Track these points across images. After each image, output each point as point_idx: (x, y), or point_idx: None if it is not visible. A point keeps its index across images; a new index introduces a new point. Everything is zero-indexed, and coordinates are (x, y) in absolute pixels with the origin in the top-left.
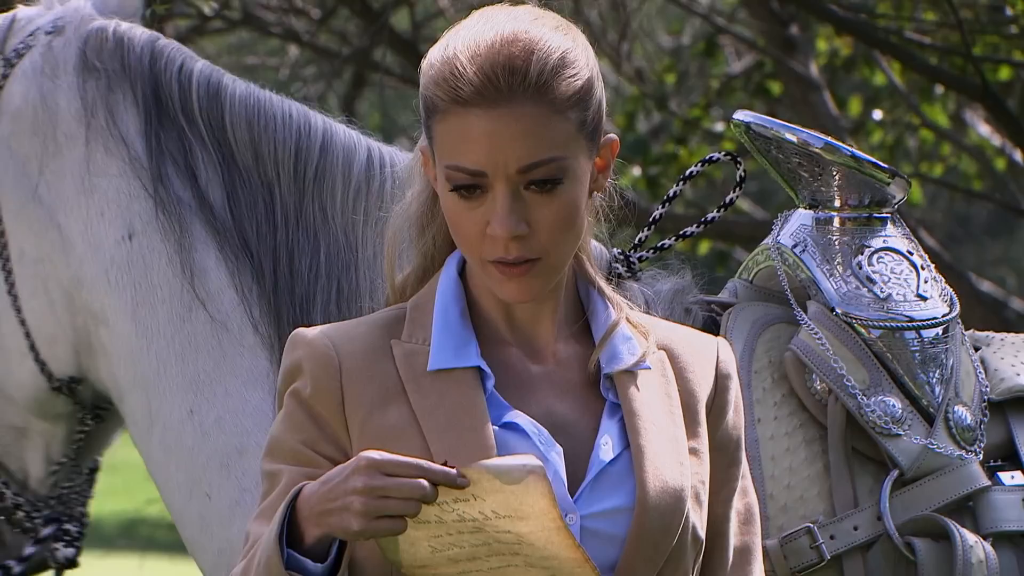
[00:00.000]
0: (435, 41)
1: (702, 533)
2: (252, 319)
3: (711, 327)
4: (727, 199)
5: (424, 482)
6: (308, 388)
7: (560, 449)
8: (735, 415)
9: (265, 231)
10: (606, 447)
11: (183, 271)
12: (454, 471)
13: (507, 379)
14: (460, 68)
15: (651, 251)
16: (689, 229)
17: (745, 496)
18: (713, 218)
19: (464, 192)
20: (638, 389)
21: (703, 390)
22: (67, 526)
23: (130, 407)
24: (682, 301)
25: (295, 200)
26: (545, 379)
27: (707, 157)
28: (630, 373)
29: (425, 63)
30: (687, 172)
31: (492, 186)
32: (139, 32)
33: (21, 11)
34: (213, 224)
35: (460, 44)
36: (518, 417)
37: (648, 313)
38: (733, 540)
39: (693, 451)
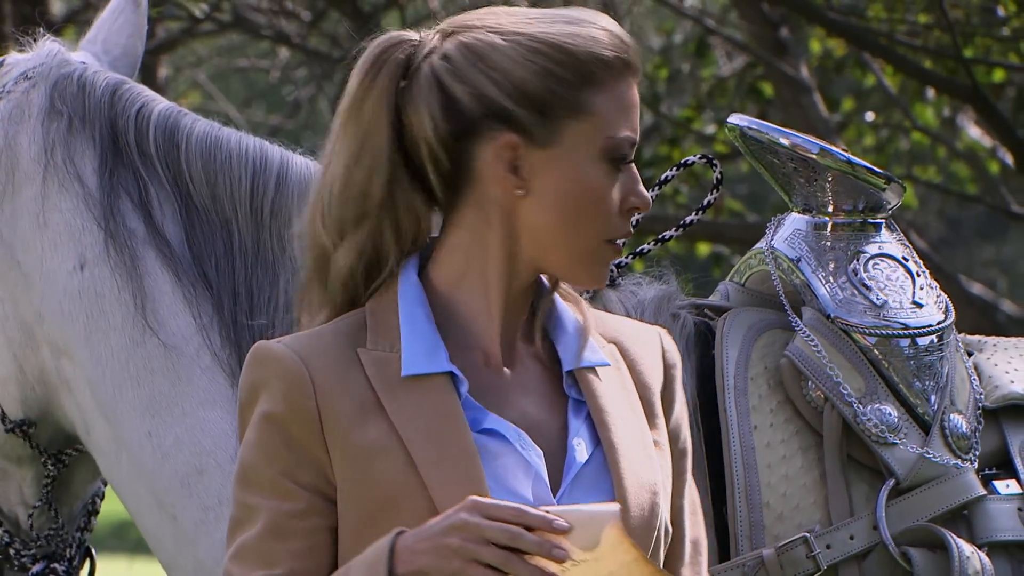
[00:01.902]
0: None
1: (669, 526)
2: (211, 345)
3: (704, 331)
4: (704, 202)
5: (523, 531)
6: (281, 408)
7: (540, 452)
8: (680, 405)
9: (224, 267)
10: (580, 448)
11: (134, 298)
12: (552, 517)
13: (477, 383)
14: (613, 38)
15: (630, 256)
16: (667, 233)
17: (693, 488)
18: (691, 221)
19: (621, 164)
20: (601, 385)
21: (655, 381)
22: (55, 565)
23: (96, 437)
24: (668, 307)
25: (253, 235)
26: (514, 381)
27: (682, 161)
28: (591, 369)
29: (529, 47)
30: (663, 177)
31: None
32: (104, 76)
33: (10, 57)
34: (168, 255)
35: (587, 21)
36: (497, 423)
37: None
38: (688, 532)
39: (656, 443)
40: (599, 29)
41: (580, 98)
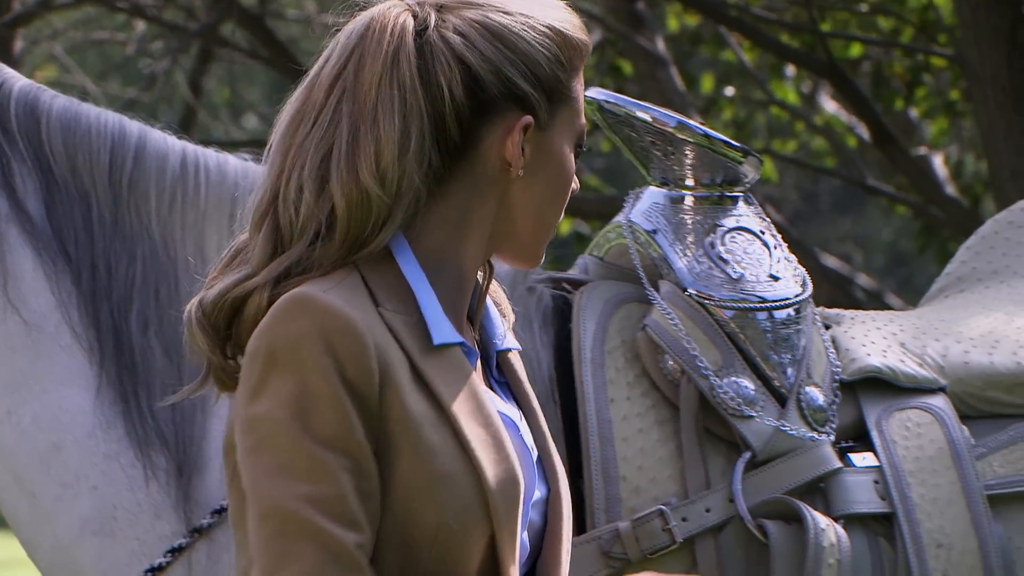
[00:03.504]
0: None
1: None
2: (69, 321)
3: (561, 305)
4: None
5: None
6: (344, 363)
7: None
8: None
9: (83, 240)
10: (527, 435)
11: None
12: None
13: None
14: (581, 25)
15: None
16: None
17: None
18: None
19: (580, 150)
20: (516, 368)
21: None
22: None
23: None
24: (524, 280)
25: (111, 209)
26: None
27: None
28: (508, 352)
29: (536, 31)
30: None
31: None
32: None
33: None
34: (31, 232)
35: (553, 12)
36: (502, 406)
37: None
38: None
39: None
40: (570, 15)
41: (570, 84)
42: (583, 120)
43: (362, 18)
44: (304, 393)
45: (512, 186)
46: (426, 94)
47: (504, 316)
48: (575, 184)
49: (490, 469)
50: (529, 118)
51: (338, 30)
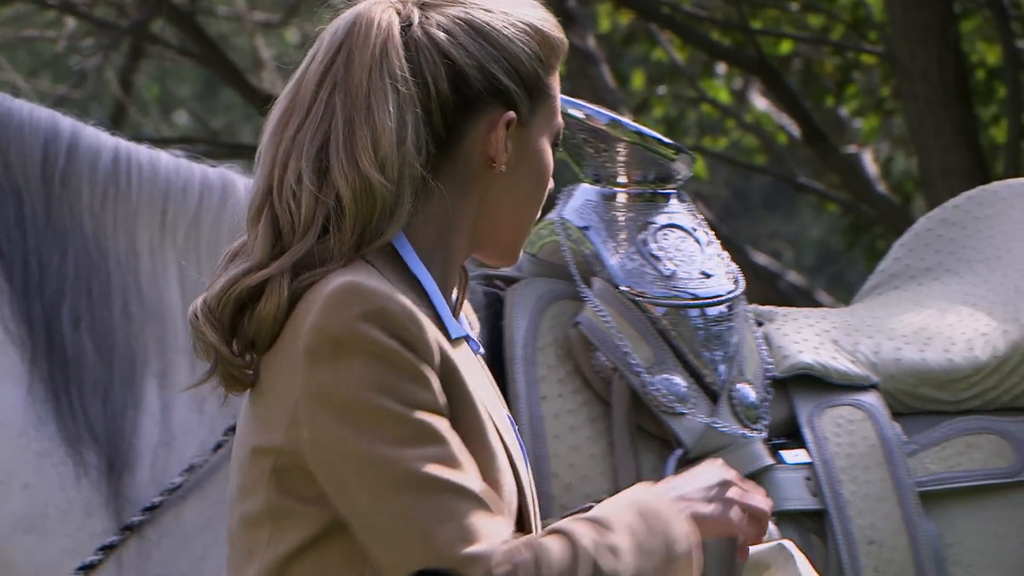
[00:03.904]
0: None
1: None
2: (1, 317)
3: (493, 302)
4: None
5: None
6: (417, 346)
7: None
8: None
9: (16, 235)
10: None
11: None
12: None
13: None
14: (557, 24)
15: None
16: None
17: None
18: None
19: (556, 149)
20: (484, 366)
21: None
22: None
23: None
24: None
25: (44, 205)
26: None
27: None
28: (480, 351)
29: (518, 29)
30: None
31: None
32: None
33: None
34: None
35: (532, 11)
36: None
37: None
38: None
39: None
40: (546, 14)
41: (549, 81)
42: (560, 118)
43: (346, 15)
44: (385, 370)
45: (494, 182)
46: (416, 86)
47: (469, 320)
48: (551, 184)
49: (515, 453)
50: (512, 114)
51: (322, 30)
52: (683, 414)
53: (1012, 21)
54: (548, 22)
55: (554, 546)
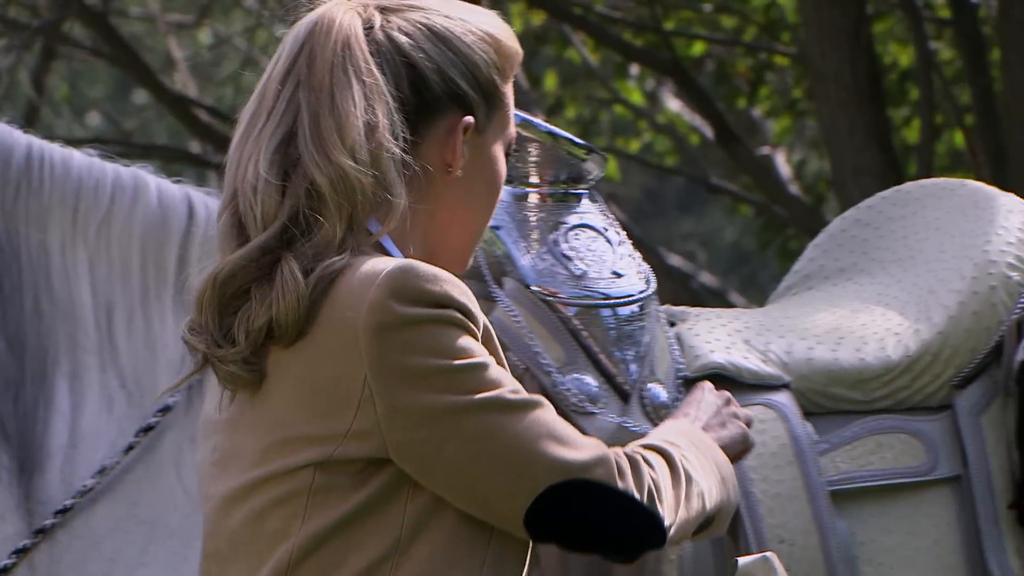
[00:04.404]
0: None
1: None
2: None
3: None
4: None
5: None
6: (472, 315)
7: None
8: None
9: None
10: None
11: None
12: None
13: None
14: (513, 34)
15: None
16: None
17: None
18: None
19: (508, 157)
20: None
21: None
22: None
23: None
24: None
25: None
26: None
27: None
28: None
29: (477, 36)
30: None
31: None
32: None
33: None
34: None
35: (489, 19)
36: None
37: None
38: None
39: None
40: (503, 23)
41: (504, 89)
42: (513, 128)
43: (308, 18)
44: (452, 334)
45: (448, 188)
46: (382, 77)
47: None
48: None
49: None
50: (471, 119)
51: (284, 35)
52: (594, 414)
53: (925, 23)
54: (504, 31)
55: (651, 456)
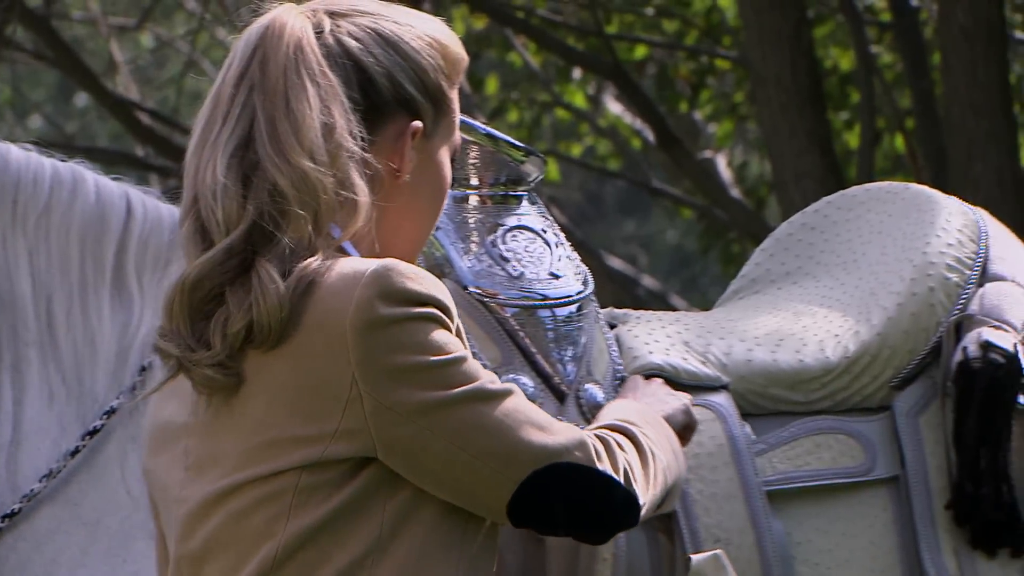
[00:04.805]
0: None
1: None
2: None
3: None
4: None
5: None
6: (450, 313)
7: None
8: None
9: None
10: None
11: None
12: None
13: None
14: (462, 50)
15: None
16: None
17: None
18: None
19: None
20: None
21: None
22: None
23: None
24: None
25: None
26: None
27: None
28: None
29: (424, 41)
30: None
31: None
32: None
33: None
34: None
35: (436, 26)
36: None
37: None
38: None
39: None
40: (449, 30)
41: (451, 95)
42: (458, 134)
43: (259, 22)
44: (433, 331)
45: (396, 192)
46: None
47: None
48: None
49: None
50: (419, 123)
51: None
52: None
53: (865, 26)
54: (451, 38)
55: (619, 438)
